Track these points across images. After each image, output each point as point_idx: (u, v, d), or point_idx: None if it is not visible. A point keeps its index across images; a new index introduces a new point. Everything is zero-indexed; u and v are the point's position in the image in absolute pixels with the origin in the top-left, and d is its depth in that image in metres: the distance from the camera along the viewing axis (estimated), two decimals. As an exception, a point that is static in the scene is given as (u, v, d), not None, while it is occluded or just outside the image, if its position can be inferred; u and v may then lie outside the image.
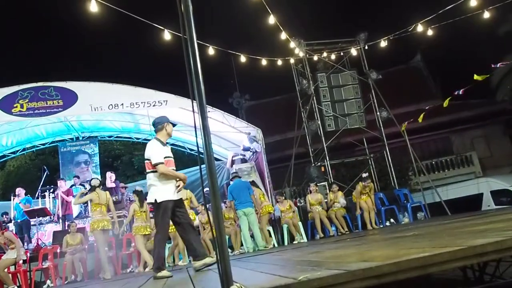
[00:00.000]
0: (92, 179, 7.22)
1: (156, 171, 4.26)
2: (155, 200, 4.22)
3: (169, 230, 7.43)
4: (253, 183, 8.95)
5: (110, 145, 18.33)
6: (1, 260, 6.80)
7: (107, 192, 7.06)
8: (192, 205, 7.82)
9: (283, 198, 9.23)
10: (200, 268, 4.09)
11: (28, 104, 8.81)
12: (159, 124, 4.49)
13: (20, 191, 9.81)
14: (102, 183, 11.15)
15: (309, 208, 9.15)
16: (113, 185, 10.37)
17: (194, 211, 8.00)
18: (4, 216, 9.98)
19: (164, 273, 4.12)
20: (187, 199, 7.40)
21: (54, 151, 14.90)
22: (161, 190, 4.24)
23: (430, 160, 18.33)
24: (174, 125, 4.64)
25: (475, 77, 8.14)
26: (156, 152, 4.29)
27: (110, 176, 10.44)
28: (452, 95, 9.17)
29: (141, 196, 7.20)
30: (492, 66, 8.94)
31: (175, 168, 4.44)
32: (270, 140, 14.60)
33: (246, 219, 7.88)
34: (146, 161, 4.39)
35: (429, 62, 22.20)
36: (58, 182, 10.11)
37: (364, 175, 9.70)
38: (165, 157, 4.30)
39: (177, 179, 4.35)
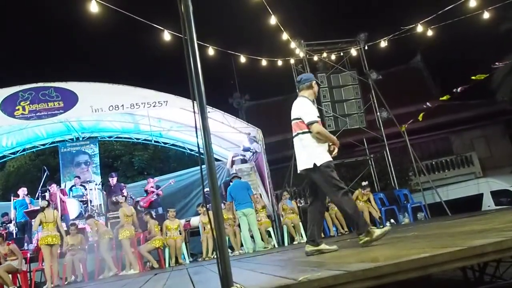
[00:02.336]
0: (42, 201, 8.00)
1: (309, 132, 3.79)
2: (314, 164, 3.70)
3: (160, 242, 7.58)
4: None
5: (110, 146, 18.31)
6: (7, 264, 6.87)
7: (55, 210, 7.57)
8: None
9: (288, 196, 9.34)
10: (312, 253, 3.69)
11: (30, 107, 8.81)
12: (306, 80, 4.05)
13: (22, 191, 9.82)
14: (103, 183, 11.23)
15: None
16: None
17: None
18: (4, 216, 9.99)
19: (323, 246, 3.66)
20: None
21: (54, 152, 14.88)
22: (319, 152, 3.75)
23: (430, 160, 18.33)
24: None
25: (473, 78, 8.16)
26: (310, 110, 3.85)
27: (113, 179, 10.45)
28: (452, 93, 9.18)
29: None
30: (492, 66, 8.94)
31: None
32: (270, 141, 14.57)
33: (245, 220, 7.88)
34: (295, 121, 3.90)
35: (429, 62, 22.23)
36: (50, 187, 10.01)
37: (364, 183, 9.72)
38: (317, 117, 3.87)
39: (330, 143, 3.85)
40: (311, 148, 3.76)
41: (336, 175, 3.73)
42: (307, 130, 3.79)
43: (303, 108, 3.86)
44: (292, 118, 3.95)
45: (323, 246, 3.69)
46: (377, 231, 3.52)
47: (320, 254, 3.61)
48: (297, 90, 4.14)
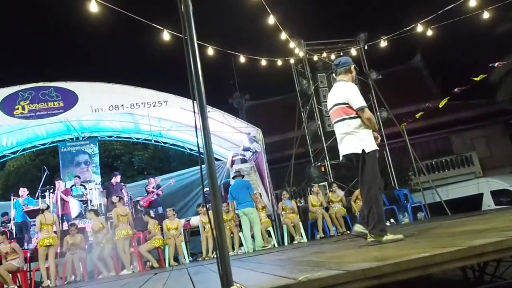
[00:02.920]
0: (41, 204, 8.28)
1: (357, 117, 3.67)
2: (363, 150, 3.62)
3: (160, 241, 7.60)
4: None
5: (110, 145, 18.31)
6: (8, 263, 6.90)
7: (54, 214, 7.84)
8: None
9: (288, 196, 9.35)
10: (360, 234, 3.64)
11: (30, 106, 8.80)
12: (345, 64, 3.90)
13: (24, 191, 9.82)
14: (102, 183, 11.23)
15: (310, 208, 9.17)
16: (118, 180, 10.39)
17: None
18: (4, 216, 9.99)
19: (392, 236, 3.46)
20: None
21: (54, 151, 14.88)
22: (368, 138, 3.67)
23: (430, 160, 18.33)
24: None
25: (473, 79, 8.15)
26: (358, 95, 3.70)
27: (116, 178, 10.48)
28: (451, 94, 9.17)
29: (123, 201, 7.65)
30: (490, 65, 8.93)
31: None
32: (270, 140, 14.60)
33: (247, 219, 7.88)
34: (339, 106, 3.76)
35: (429, 62, 22.23)
36: (56, 182, 10.09)
37: None
38: None
39: (374, 131, 3.77)
40: (360, 134, 3.66)
41: (377, 167, 3.68)
42: (355, 115, 3.67)
43: (351, 93, 3.72)
44: (334, 103, 3.82)
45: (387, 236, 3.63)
46: (389, 237, 3.45)
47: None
48: (334, 75, 4.03)
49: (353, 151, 3.67)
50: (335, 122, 3.84)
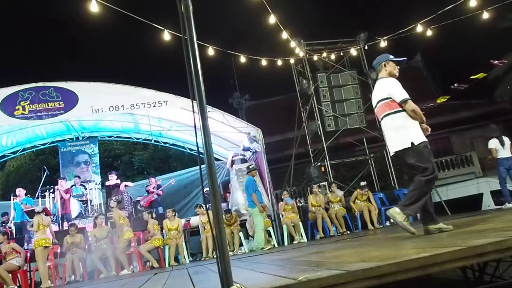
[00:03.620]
0: (37, 207, 8.36)
1: (401, 110, 3.68)
2: (412, 143, 3.60)
3: (160, 241, 7.63)
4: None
5: (110, 145, 18.33)
6: (8, 263, 6.90)
7: (49, 217, 7.95)
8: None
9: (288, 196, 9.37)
10: (434, 232, 3.63)
11: (30, 106, 8.80)
12: (377, 64, 3.99)
13: (20, 191, 9.81)
14: (102, 183, 11.26)
15: (310, 208, 9.18)
16: (118, 181, 10.40)
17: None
18: (4, 216, 9.99)
19: (441, 225, 3.55)
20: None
21: (54, 151, 14.88)
22: (415, 130, 3.64)
23: (430, 160, 18.32)
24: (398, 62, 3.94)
25: (472, 77, 8.16)
26: (399, 89, 3.73)
27: (111, 177, 10.49)
28: (451, 94, 9.18)
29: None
30: (490, 61, 8.94)
31: None
32: (270, 140, 14.59)
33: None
34: (383, 102, 3.80)
35: (429, 62, 22.22)
36: (59, 181, 10.09)
37: (363, 183, 9.71)
38: None
39: (421, 122, 3.74)
40: (406, 127, 3.65)
41: (433, 157, 3.63)
42: (399, 109, 3.69)
43: (392, 87, 3.76)
44: (378, 100, 3.86)
45: (441, 225, 3.64)
46: (406, 223, 3.51)
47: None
48: (376, 76, 4.09)
49: (401, 147, 3.67)
50: (381, 119, 3.87)
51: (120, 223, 7.83)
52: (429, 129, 3.80)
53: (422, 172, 3.56)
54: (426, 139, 3.67)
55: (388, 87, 3.78)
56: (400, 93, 3.69)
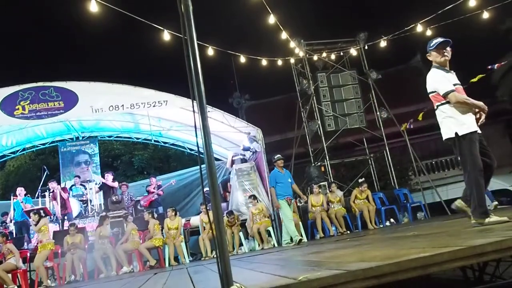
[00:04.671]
0: (41, 209, 8.35)
1: (446, 102, 3.71)
2: (456, 133, 3.63)
3: (160, 241, 7.64)
4: (253, 197, 9.01)
5: (110, 145, 18.32)
6: (6, 263, 6.90)
7: (48, 217, 8.08)
8: None
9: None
10: (459, 210, 3.70)
11: (30, 106, 8.80)
12: (427, 51, 3.96)
13: (21, 190, 9.81)
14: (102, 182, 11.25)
15: (310, 208, 9.18)
16: (115, 184, 10.38)
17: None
18: (4, 216, 9.99)
19: (496, 218, 3.44)
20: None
21: (54, 151, 14.88)
22: (461, 121, 3.64)
23: (430, 160, 18.31)
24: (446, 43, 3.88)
25: (472, 80, 8.15)
26: (441, 81, 3.75)
27: (107, 176, 10.48)
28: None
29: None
30: (489, 67, 8.92)
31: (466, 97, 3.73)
32: (270, 140, 14.57)
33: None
34: (431, 94, 3.88)
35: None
36: (49, 183, 10.01)
37: (361, 180, 9.70)
38: (454, 84, 3.72)
39: (476, 109, 3.70)
40: (453, 118, 3.69)
41: (477, 150, 3.58)
42: (445, 101, 3.74)
43: (434, 81, 3.82)
44: (428, 92, 3.94)
45: (469, 211, 3.67)
46: (492, 219, 3.44)
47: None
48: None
49: (448, 136, 3.75)
50: (435, 109, 3.92)
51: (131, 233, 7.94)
52: (483, 117, 3.71)
53: (464, 168, 3.62)
54: (474, 129, 3.62)
55: (431, 81, 3.87)
56: (442, 87, 3.72)
